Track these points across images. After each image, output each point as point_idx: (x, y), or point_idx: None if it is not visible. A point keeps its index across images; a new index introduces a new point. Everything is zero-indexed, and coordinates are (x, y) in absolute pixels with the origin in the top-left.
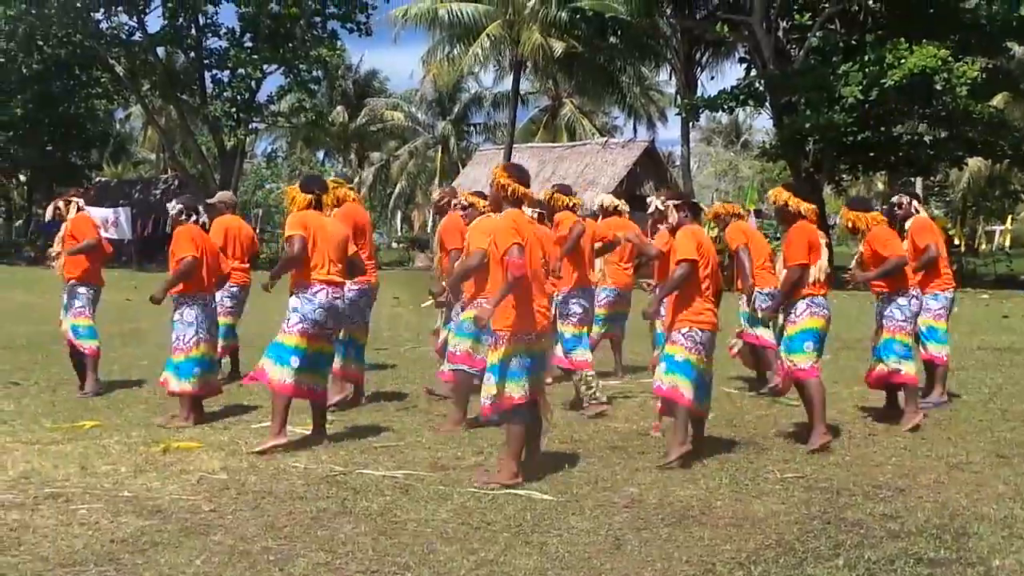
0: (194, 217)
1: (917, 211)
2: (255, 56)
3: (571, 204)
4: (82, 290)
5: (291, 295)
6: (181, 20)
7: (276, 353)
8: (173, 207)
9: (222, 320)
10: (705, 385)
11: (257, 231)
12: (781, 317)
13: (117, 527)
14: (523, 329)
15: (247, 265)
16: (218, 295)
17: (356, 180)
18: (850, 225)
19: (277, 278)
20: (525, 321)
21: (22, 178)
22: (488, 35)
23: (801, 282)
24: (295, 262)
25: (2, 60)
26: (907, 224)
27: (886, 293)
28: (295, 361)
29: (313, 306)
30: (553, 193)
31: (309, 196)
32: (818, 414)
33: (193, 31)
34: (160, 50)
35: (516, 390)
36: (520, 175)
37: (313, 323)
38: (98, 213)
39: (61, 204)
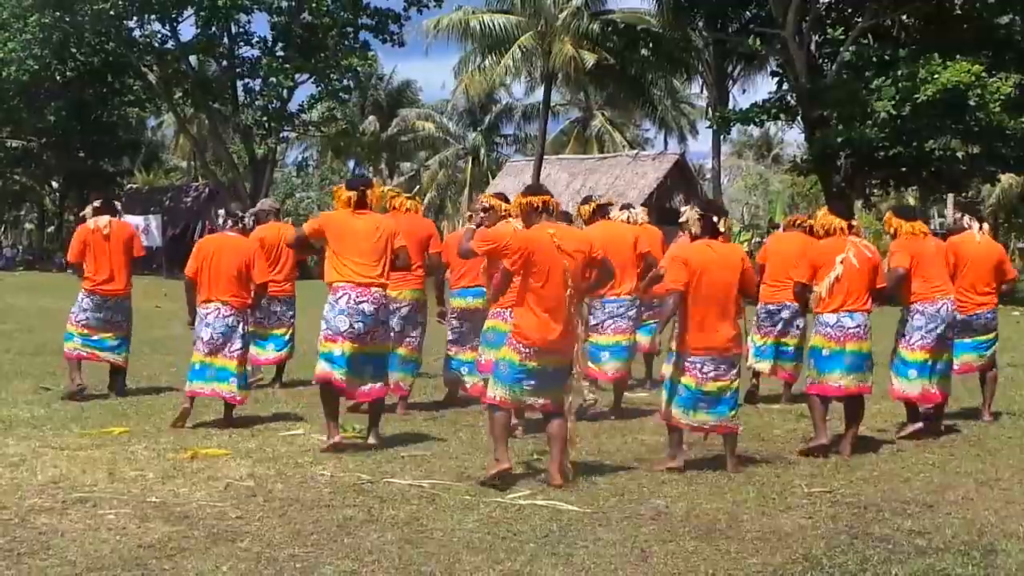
0: (230, 223)
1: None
2: (287, 65)
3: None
4: (79, 296)
5: None
6: (214, 29)
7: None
8: (218, 216)
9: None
10: (695, 399)
11: None
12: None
13: (144, 532)
14: (524, 338)
15: (283, 275)
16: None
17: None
18: (891, 232)
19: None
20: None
21: (55, 185)
22: (520, 46)
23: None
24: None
25: (36, 67)
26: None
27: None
28: (334, 363)
29: (335, 312)
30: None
31: (351, 193)
32: (816, 424)
33: (225, 40)
34: (192, 58)
35: (495, 391)
36: (537, 189)
37: (336, 329)
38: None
39: (88, 212)
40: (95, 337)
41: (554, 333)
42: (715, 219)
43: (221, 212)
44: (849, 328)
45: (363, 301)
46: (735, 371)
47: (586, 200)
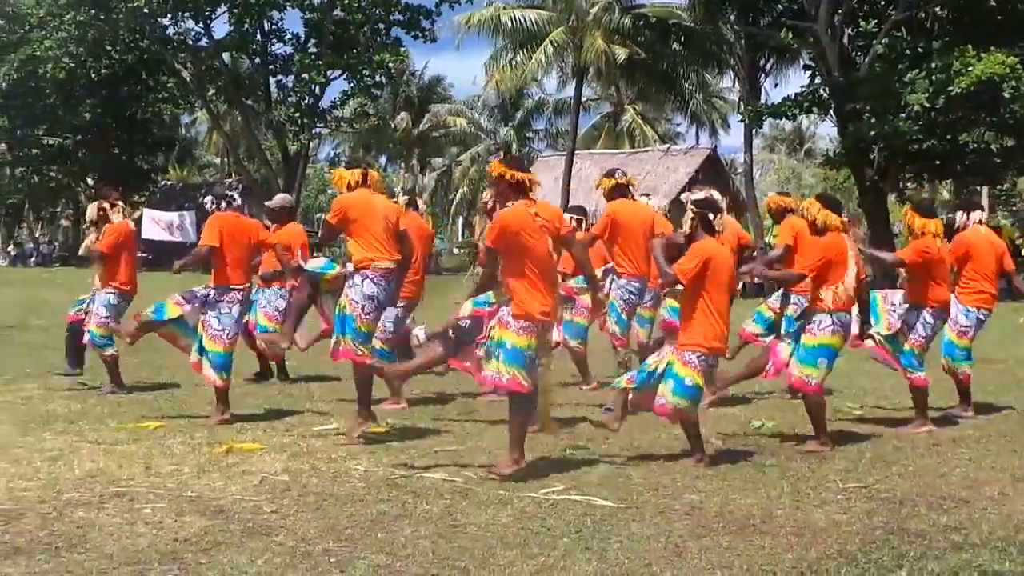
0: (224, 205)
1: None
2: (319, 62)
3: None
4: (112, 300)
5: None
6: (247, 26)
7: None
8: (206, 199)
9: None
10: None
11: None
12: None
13: (180, 526)
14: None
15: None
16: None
17: (417, 186)
18: (913, 229)
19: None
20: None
21: (90, 181)
22: (551, 41)
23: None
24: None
25: (71, 65)
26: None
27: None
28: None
29: (360, 295)
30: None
31: (357, 171)
32: (819, 424)
33: (258, 37)
34: (226, 55)
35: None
36: (518, 163)
37: (370, 310)
38: (163, 216)
39: (106, 206)
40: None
41: (549, 307)
42: (711, 217)
43: (209, 198)
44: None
45: (391, 281)
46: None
47: (610, 174)
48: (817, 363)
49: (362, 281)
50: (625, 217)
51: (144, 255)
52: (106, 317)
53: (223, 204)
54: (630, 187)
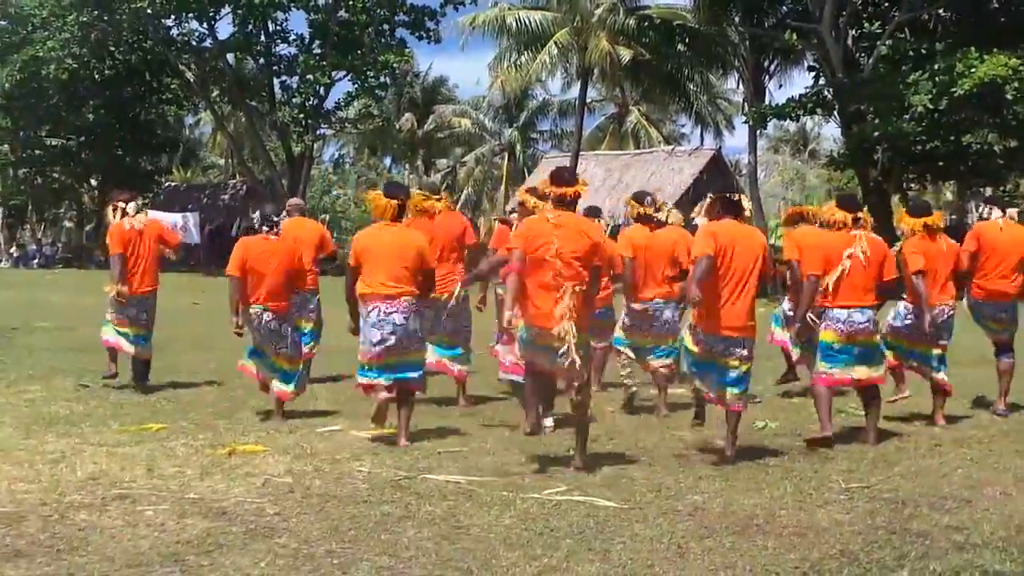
0: (266, 229)
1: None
2: (324, 63)
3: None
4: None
5: None
6: (251, 27)
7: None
8: (254, 220)
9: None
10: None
11: None
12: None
13: (183, 528)
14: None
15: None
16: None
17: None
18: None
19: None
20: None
21: (93, 183)
22: (555, 42)
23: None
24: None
25: (75, 66)
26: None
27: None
28: (371, 375)
29: (367, 326)
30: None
31: (392, 203)
32: (821, 416)
33: (263, 38)
34: (230, 56)
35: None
36: (560, 178)
37: (371, 345)
38: (167, 218)
39: (119, 206)
40: (125, 330)
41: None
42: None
43: (257, 215)
44: (859, 323)
45: (392, 312)
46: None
47: (640, 198)
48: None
49: (363, 313)
50: (645, 247)
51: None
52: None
53: (263, 229)
54: (656, 215)
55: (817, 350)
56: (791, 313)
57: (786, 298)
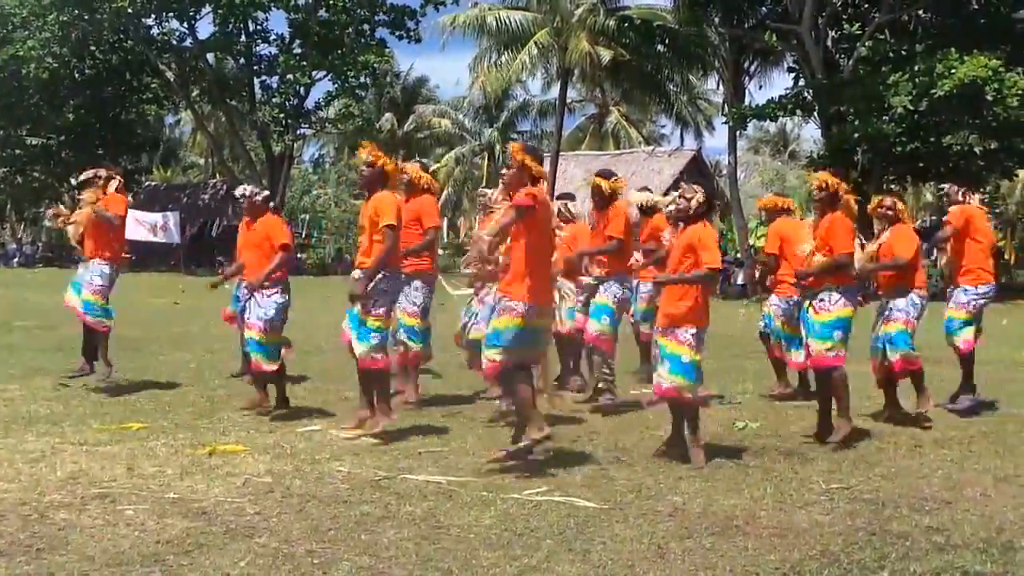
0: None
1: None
2: (304, 62)
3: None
4: (105, 270)
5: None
6: (231, 26)
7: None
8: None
9: None
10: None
11: (303, 236)
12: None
13: (163, 528)
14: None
15: None
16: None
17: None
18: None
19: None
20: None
21: (73, 182)
22: (536, 43)
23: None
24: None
25: (55, 65)
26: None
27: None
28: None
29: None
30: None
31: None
32: (843, 405)
33: (243, 37)
34: (210, 56)
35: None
36: (538, 154)
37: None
38: (147, 217)
39: (103, 173)
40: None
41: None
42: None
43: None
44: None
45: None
46: None
47: (606, 175)
48: (834, 336)
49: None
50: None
51: (128, 256)
52: (101, 285)
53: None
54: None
55: (831, 329)
56: (783, 306)
57: (773, 294)
